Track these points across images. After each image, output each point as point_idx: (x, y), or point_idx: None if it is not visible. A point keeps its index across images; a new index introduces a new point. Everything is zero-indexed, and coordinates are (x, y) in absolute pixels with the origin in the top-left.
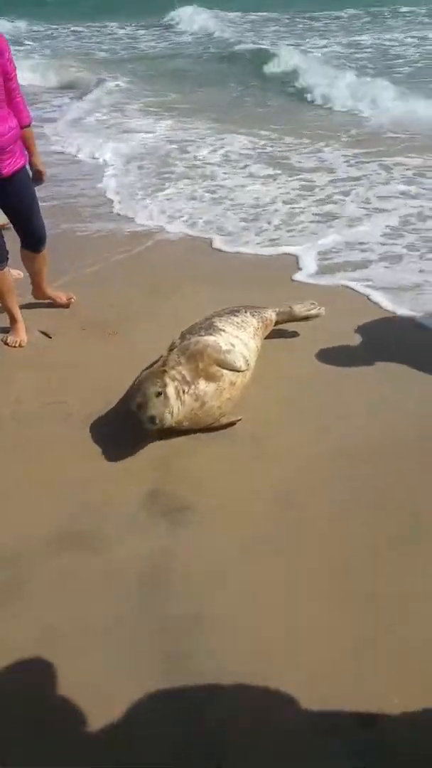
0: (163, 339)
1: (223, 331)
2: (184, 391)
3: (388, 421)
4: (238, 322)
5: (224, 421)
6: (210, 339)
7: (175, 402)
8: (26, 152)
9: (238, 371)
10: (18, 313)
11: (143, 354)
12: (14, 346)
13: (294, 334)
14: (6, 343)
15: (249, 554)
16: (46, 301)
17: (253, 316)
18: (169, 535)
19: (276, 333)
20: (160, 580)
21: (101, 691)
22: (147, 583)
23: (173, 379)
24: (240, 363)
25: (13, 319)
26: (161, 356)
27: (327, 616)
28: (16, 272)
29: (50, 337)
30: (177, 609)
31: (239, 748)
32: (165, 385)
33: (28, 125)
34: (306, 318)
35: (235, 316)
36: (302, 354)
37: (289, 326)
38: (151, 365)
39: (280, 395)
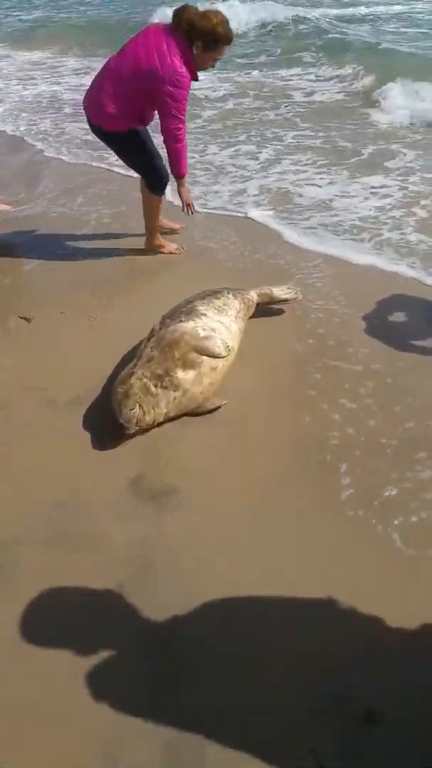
0: (143, 322)
1: (205, 315)
2: (156, 386)
3: (374, 396)
4: (219, 305)
5: (209, 406)
6: (188, 326)
7: (146, 399)
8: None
9: (218, 357)
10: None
11: (124, 339)
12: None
13: (279, 312)
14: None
15: (237, 535)
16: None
17: (235, 297)
18: (157, 518)
19: (261, 312)
20: (149, 563)
21: (88, 681)
22: (136, 567)
23: (140, 378)
24: (219, 349)
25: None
26: (141, 341)
27: (320, 597)
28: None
29: (29, 321)
30: (166, 592)
31: (229, 743)
32: (131, 387)
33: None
34: (285, 301)
35: (216, 298)
36: (287, 334)
37: (275, 306)
38: (134, 348)
39: (264, 376)
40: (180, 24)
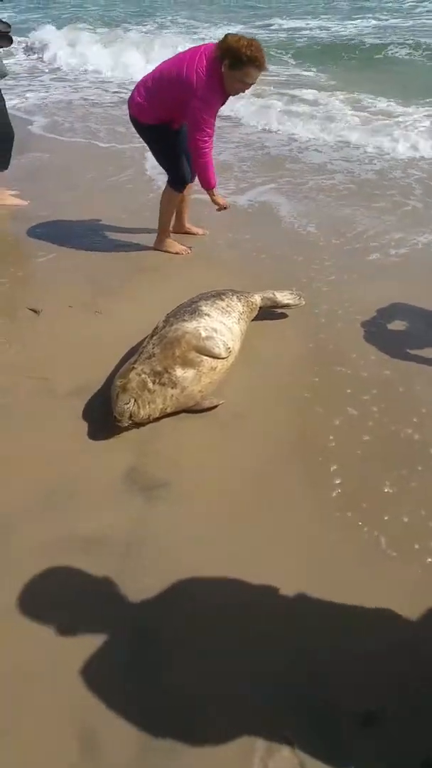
0: (148, 319)
1: (208, 315)
2: (154, 382)
3: (374, 402)
4: (223, 307)
5: (206, 404)
6: (190, 326)
7: (143, 395)
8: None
9: (218, 358)
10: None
11: (127, 334)
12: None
13: (283, 315)
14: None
15: (225, 529)
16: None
17: (239, 300)
18: (146, 510)
19: (263, 315)
20: (135, 553)
21: (71, 664)
22: (125, 555)
23: (140, 373)
24: (219, 350)
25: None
26: (145, 337)
27: (307, 593)
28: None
29: (38, 313)
30: (154, 580)
31: (210, 735)
32: (129, 381)
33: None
34: (287, 306)
35: (221, 300)
36: (290, 337)
37: (277, 310)
38: (137, 344)
39: (264, 377)
40: (221, 46)
